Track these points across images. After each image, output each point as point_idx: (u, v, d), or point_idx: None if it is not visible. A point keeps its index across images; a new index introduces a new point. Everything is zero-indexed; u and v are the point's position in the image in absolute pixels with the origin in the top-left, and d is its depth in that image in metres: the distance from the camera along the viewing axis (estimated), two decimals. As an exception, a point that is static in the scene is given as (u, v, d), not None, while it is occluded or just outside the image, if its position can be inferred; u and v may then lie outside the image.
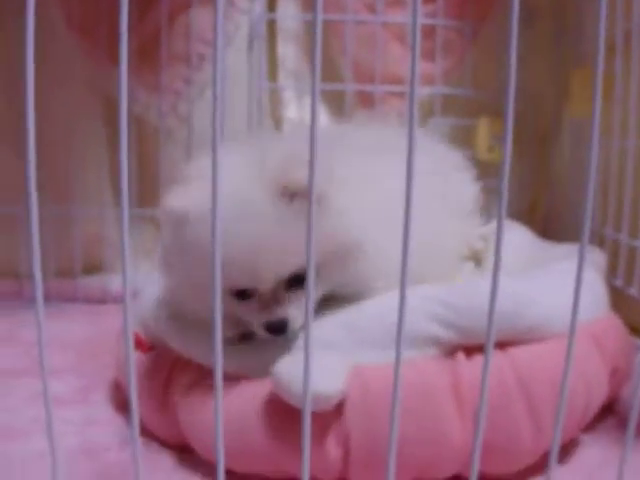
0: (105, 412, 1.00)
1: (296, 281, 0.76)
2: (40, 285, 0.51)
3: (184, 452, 0.87)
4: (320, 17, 0.47)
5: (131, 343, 0.54)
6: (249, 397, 0.77)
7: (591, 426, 0.86)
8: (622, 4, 1.20)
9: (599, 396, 0.84)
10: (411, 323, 0.73)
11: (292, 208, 0.73)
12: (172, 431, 0.86)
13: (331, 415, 0.73)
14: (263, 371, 0.75)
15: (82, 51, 1.55)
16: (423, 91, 1.59)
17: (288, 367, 0.71)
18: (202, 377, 0.81)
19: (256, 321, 0.77)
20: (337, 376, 0.71)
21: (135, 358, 0.88)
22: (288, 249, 0.73)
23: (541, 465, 0.76)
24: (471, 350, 0.75)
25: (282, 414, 0.73)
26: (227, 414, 0.66)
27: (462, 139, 1.60)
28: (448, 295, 0.76)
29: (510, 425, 0.74)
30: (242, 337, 0.81)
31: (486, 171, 1.25)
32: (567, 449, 0.84)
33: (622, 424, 0.85)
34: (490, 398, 0.69)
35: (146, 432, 0.91)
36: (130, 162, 1.45)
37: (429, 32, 1.56)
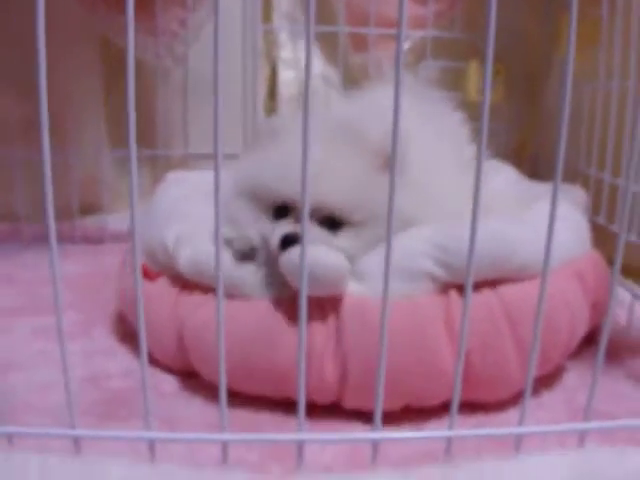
0: (107, 343, 1.04)
1: (330, 222, 0.83)
2: (53, 228, 0.54)
3: (187, 377, 0.91)
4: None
5: (139, 270, 0.58)
6: (252, 318, 0.81)
7: (575, 354, 0.92)
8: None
9: (581, 327, 0.89)
10: (410, 260, 0.79)
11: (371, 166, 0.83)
12: (176, 356, 0.90)
13: (330, 338, 0.78)
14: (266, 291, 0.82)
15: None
16: (415, 34, 1.61)
17: (294, 253, 0.76)
18: (207, 300, 0.86)
19: (277, 234, 0.82)
20: (343, 261, 0.77)
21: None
22: (339, 188, 0.81)
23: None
24: (462, 288, 0.79)
25: (283, 332, 0.79)
26: (231, 335, 0.72)
27: (453, 81, 1.64)
28: (441, 237, 0.80)
29: (499, 356, 0.80)
30: (243, 256, 0.85)
31: (476, 113, 1.28)
32: (552, 375, 0.90)
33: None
34: (480, 332, 0.76)
35: (150, 359, 0.95)
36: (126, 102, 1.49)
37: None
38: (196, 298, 0.89)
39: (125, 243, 1.36)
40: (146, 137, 1.62)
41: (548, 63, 1.61)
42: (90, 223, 1.64)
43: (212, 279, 0.85)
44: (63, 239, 1.55)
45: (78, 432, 0.64)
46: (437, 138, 0.96)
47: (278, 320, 0.80)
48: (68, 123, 1.58)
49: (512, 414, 0.82)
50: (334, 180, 0.80)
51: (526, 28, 1.59)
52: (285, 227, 0.83)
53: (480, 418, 0.82)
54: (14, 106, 1.52)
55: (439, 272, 0.79)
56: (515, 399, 0.83)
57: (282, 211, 0.85)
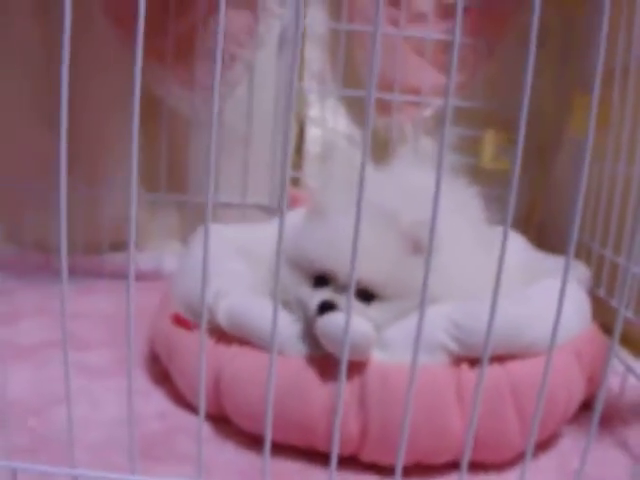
0: (143, 384, 1.09)
1: (364, 295, 0.93)
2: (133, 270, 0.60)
3: (220, 422, 0.97)
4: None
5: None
6: (287, 371, 0.90)
7: (570, 420, 0.99)
8: (623, 36, 1.30)
9: (577, 400, 0.97)
10: (428, 333, 0.86)
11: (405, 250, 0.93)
12: (211, 402, 0.96)
13: (354, 397, 0.87)
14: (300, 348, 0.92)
15: (118, 40, 1.63)
16: (439, 102, 1.71)
17: (331, 319, 0.86)
18: (243, 351, 0.95)
19: (314, 300, 0.92)
20: (371, 330, 0.86)
21: (177, 336, 1.02)
22: (374, 267, 0.91)
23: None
24: (474, 362, 0.89)
25: (314, 388, 0.89)
26: (264, 385, 0.80)
27: (469, 148, 1.73)
28: (458, 315, 0.89)
29: (501, 423, 0.89)
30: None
31: (490, 179, 1.37)
32: (549, 440, 0.98)
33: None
34: (486, 403, 0.83)
35: (184, 403, 1.03)
36: (161, 150, 1.58)
37: (446, 47, 1.69)
38: (233, 349, 0.96)
39: (154, 282, 1.45)
40: (177, 183, 1.71)
41: (559, 138, 1.69)
42: (119, 260, 1.68)
43: (248, 330, 0.95)
44: (92, 273, 1.63)
45: (78, 472, 0.70)
46: (456, 215, 1.03)
47: (310, 376, 0.89)
48: (105, 163, 1.67)
49: (510, 475, 0.90)
50: (371, 258, 0.88)
51: (541, 103, 1.67)
52: (324, 294, 0.93)
53: (481, 477, 0.90)
54: (46, 140, 1.60)
55: (453, 346, 0.88)
56: (514, 460, 0.91)
57: (322, 280, 0.96)
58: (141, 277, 1.61)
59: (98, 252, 1.69)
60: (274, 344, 0.66)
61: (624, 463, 0.97)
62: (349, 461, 0.89)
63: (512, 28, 1.72)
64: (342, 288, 0.93)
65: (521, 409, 0.88)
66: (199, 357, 0.97)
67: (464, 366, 0.89)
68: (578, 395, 0.97)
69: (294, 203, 1.62)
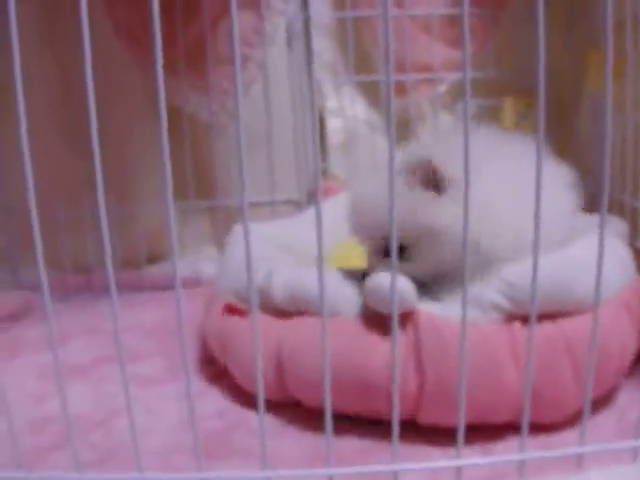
0: (198, 386, 1.11)
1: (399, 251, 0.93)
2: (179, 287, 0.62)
3: (280, 412, 0.99)
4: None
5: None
6: (347, 333, 0.92)
7: (627, 374, 1.00)
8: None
9: (630, 350, 0.98)
10: (480, 290, 0.89)
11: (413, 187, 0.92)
12: (273, 385, 0.98)
13: (410, 354, 0.88)
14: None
15: (131, 58, 1.67)
16: (452, 77, 1.72)
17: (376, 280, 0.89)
18: (301, 321, 0.98)
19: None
20: (405, 281, 0.88)
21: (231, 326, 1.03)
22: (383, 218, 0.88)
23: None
24: (527, 320, 0.87)
25: (374, 346, 0.90)
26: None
27: (488, 118, 1.73)
28: (510, 274, 0.89)
29: (558, 382, 0.89)
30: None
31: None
32: (607, 395, 0.98)
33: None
34: (541, 360, 0.83)
35: (240, 400, 1.05)
36: (185, 158, 1.60)
37: (453, 21, 1.69)
38: (291, 322, 0.98)
39: (193, 289, 1.47)
40: (205, 189, 1.73)
41: (577, 96, 1.68)
42: (157, 271, 1.72)
43: (304, 299, 0.97)
44: (131, 288, 1.65)
45: (148, 475, 0.72)
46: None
47: (367, 335, 0.91)
48: (131, 177, 1.70)
49: (571, 434, 0.90)
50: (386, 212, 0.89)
51: (555, 61, 1.66)
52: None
53: (542, 438, 0.90)
54: (72, 164, 1.63)
55: (506, 304, 0.89)
56: (573, 419, 0.91)
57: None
58: (183, 284, 1.64)
59: (136, 266, 1.72)
60: (324, 305, 0.67)
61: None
62: (409, 433, 0.90)
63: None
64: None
65: (576, 366, 0.89)
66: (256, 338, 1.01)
67: (517, 324, 0.89)
68: (631, 347, 0.98)
69: (324, 194, 1.63)
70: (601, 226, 0.67)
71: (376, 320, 0.91)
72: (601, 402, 0.97)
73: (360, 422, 0.94)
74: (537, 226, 0.66)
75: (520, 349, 0.87)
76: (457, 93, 1.75)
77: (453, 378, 0.80)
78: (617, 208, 1.40)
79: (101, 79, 1.57)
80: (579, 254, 0.93)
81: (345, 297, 0.94)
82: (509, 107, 1.66)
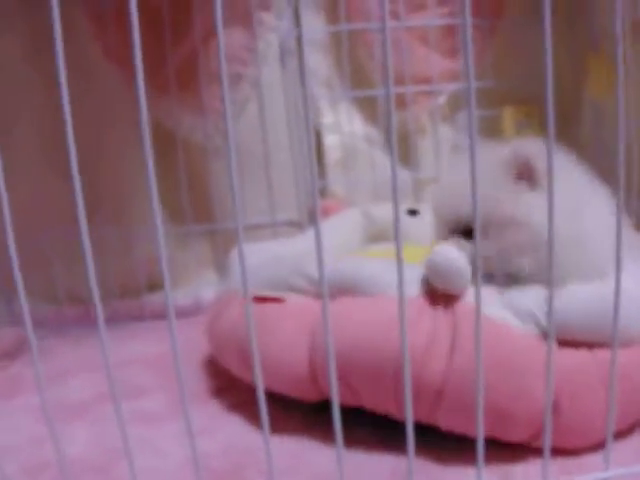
0: (206, 420, 1.05)
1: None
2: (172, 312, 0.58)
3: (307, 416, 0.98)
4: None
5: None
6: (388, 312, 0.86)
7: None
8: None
9: None
10: (521, 302, 0.89)
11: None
12: (307, 379, 0.96)
13: (445, 338, 0.87)
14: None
15: (123, 80, 1.61)
16: (450, 87, 1.69)
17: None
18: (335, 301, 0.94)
19: None
20: (465, 260, 0.88)
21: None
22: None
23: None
24: (562, 343, 0.85)
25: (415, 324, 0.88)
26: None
27: (489, 129, 1.70)
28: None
29: (587, 410, 0.86)
30: None
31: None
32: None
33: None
34: (573, 386, 0.83)
35: (253, 434, 1.01)
36: (181, 182, 1.56)
37: (450, 31, 1.67)
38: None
39: (195, 317, 1.43)
40: (203, 212, 1.68)
41: (578, 102, 1.66)
42: (158, 299, 1.66)
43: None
44: (132, 317, 1.61)
45: None
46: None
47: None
48: (132, 203, 1.63)
49: (588, 457, 0.88)
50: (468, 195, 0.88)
51: (554, 67, 1.64)
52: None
53: (559, 461, 0.87)
54: (64, 190, 1.59)
55: (543, 320, 0.86)
56: (596, 446, 0.88)
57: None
58: (181, 313, 1.60)
59: (136, 295, 1.66)
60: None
61: None
62: (428, 443, 0.87)
63: (511, 5, 1.70)
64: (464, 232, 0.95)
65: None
66: (290, 325, 1.00)
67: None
68: None
69: (325, 213, 1.60)
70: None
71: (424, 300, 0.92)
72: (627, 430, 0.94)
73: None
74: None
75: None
76: (456, 104, 1.72)
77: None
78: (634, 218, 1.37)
79: (94, 102, 1.55)
80: (628, 288, 0.90)
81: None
82: (509, 117, 1.63)
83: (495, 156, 0.93)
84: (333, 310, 0.91)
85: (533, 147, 0.92)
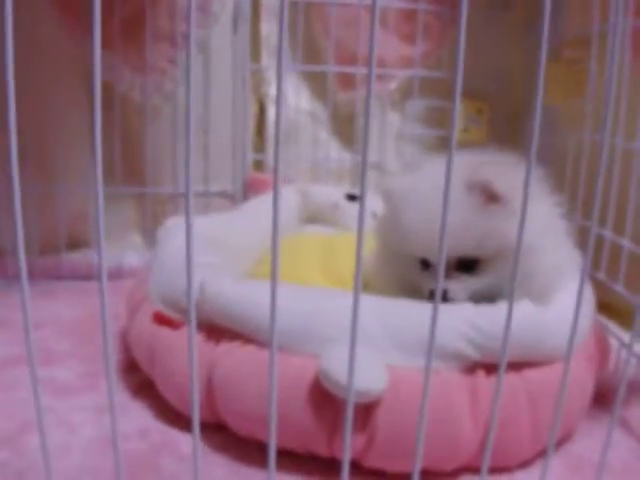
0: (119, 398, 0.99)
1: (463, 264, 0.89)
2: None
3: (210, 432, 0.90)
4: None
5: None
6: (291, 376, 0.82)
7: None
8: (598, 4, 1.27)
9: (588, 400, 0.94)
10: (443, 338, 0.81)
11: (478, 204, 0.88)
12: (204, 406, 0.89)
13: (359, 408, 0.80)
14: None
15: (65, 28, 1.53)
16: (403, 73, 1.65)
17: (335, 365, 0.78)
18: (235, 347, 0.88)
19: (425, 286, 0.91)
20: (380, 375, 0.79)
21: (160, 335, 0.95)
22: (461, 236, 0.86)
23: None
24: (490, 368, 0.83)
25: (320, 396, 0.81)
26: (262, 389, 0.77)
27: (437, 120, 1.67)
28: (481, 320, 0.83)
29: (514, 432, 0.84)
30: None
31: (458, 151, 1.31)
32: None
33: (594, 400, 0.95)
34: (502, 409, 0.77)
35: (167, 417, 0.96)
36: (114, 140, 1.49)
37: (410, 16, 1.62)
38: (224, 346, 0.89)
39: (116, 281, 1.37)
40: (134, 174, 1.62)
41: (529, 103, 1.64)
42: (77, 259, 1.60)
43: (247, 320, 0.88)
44: (50, 275, 1.56)
45: None
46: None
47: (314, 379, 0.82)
48: (56, 157, 1.55)
49: (520, 477, 0.86)
50: (458, 230, 0.84)
51: (510, 69, 1.62)
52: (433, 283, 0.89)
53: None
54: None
55: (471, 351, 0.82)
56: (524, 463, 0.87)
57: (425, 262, 0.93)
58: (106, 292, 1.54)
59: (55, 252, 1.59)
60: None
61: (628, 445, 0.94)
62: (351, 468, 0.83)
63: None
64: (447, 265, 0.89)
65: (535, 416, 0.84)
66: (188, 357, 0.91)
67: (480, 373, 0.83)
68: (589, 395, 0.94)
69: (259, 187, 1.55)
70: (581, 282, 0.61)
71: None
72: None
73: (297, 457, 0.86)
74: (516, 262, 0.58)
75: (481, 398, 0.82)
76: (407, 91, 1.68)
77: (405, 429, 0.79)
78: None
79: (25, 47, 1.45)
80: (557, 306, 0.88)
81: (297, 330, 0.85)
82: (460, 110, 1.60)
83: (458, 180, 0.88)
84: (235, 359, 0.87)
85: (491, 170, 0.88)
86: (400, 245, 0.94)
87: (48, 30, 1.53)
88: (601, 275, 1.21)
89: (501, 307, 0.84)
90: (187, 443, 0.90)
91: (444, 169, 0.87)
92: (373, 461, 0.83)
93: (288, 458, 0.85)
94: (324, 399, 0.80)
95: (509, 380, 0.82)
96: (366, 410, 0.80)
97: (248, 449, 0.88)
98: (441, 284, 0.57)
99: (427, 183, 0.91)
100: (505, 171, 0.87)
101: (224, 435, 0.90)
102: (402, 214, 0.92)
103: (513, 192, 0.85)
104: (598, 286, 1.11)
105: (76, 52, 1.52)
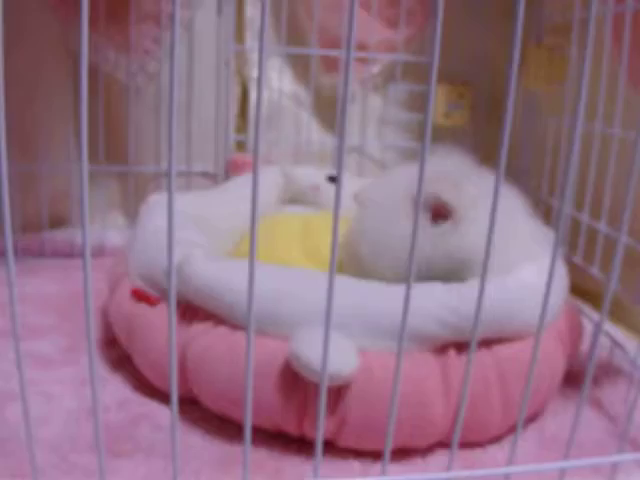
0: (98, 371, 1.01)
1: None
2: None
3: (186, 406, 0.91)
4: None
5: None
6: (262, 357, 0.82)
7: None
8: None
9: (559, 377, 0.96)
10: (416, 321, 0.82)
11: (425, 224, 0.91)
12: (178, 382, 0.89)
13: (330, 391, 0.81)
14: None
15: (49, 7, 1.53)
16: (386, 57, 1.66)
17: (306, 347, 0.78)
18: (209, 327, 0.89)
19: None
20: (350, 358, 0.79)
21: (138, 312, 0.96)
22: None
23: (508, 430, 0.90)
24: (461, 347, 0.85)
25: (291, 378, 0.82)
26: (234, 369, 0.78)
27: (419, 104, 1.68)
28: (456, 301, 0.83)
29: (486, 408, 0.86)
30: None
31: (441, 136, 1.33)
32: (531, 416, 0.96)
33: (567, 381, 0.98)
34: (472, 387, 0.80)
35: (143, 389, 0.97)
36: (98, 119, 1.49)
37: (393, 1, 1.63)
38: (197, 325, 0.90)
39: (97, 258, 1.38)
40: (117, 153, 1.62)
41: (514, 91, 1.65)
42: (59, 237, 1.61)
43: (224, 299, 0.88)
44: (32, 252, 1.57)
45: None
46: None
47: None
48: (39, 136, 1.56)
49: (492, 449, 0.88)
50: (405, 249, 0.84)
51: (492, 54, 1.63)
52: None
53: (465, 454, 0.87)
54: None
55: (443, 332, 0.83)
56: (495, 437, 0.90)
57: None
58: (82, 253, 1.54)
59: (37, 230, 1.60)
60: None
61: (600, 424, 0.96)
62: (325, 445, 0.84)
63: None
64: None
65: (506, 392, 0.86)
66: (164, 334, 0.92)
67: (451, 352, 0.85)
68: (561, 372, 0.96)
69: (240, 168, 1.56)
70: (553, 258, 0.62)
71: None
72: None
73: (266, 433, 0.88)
74: (487, 252, 0.59)
75: (452, 377, 0.83)
76: (390, 75, 1.69)
77: (377, 410, 0.80)
78: (544, 211, 1.37)
79: (14, 28, 1.45)
80: (527, 281, 0.90)
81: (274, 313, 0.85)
82: (441, 96, 1.61)
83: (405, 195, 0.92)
84: (205, 341, 0.88)
85: (441, 183, 0.89)
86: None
87: (31, 9, 1.52)
88: (578, 259, 1.23)
89: (473, 285, 0.85)
90: (165, 415, 0.92)
91: (400, 181, 0.89)
92: (346, 441, 0.84)
93: (263, 434, 0.86)
94: (294, 381, 0.81)
95: (480, 357, 0.84)
96: (338, 392, 0.81)
97: (224, 422, 0.89)
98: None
99: (382, 194, 0.94)
100: (454, 185, 0.89)
101: (201, 409, 0.91)
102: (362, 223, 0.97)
103: (463, 208, 0.88)
104: (576, 272, 1.13)
105: (60, 31, 1.52)
